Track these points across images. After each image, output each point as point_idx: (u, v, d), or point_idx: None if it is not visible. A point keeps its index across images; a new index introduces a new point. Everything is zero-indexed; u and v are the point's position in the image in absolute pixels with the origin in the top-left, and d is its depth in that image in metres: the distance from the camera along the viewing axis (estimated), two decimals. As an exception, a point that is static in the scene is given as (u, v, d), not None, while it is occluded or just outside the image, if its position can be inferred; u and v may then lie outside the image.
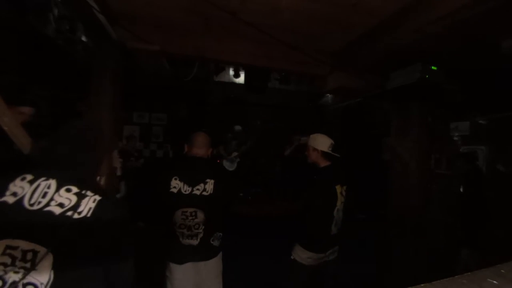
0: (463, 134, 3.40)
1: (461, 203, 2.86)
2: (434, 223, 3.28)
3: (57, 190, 0.82)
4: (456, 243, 2.79)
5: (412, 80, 2.43)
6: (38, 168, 0.85)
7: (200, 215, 1.53)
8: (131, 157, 4.65)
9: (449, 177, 3.48)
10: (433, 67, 2.39)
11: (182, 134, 5.63)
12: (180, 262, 1.53)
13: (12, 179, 0.80)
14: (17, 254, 0.75)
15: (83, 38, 2.79)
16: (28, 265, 0.75)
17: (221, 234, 1.65)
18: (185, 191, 1.52)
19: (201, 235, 1.55)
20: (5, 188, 0.78)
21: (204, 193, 1.54)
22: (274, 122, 7.22)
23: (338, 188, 1.84)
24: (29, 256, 0.75)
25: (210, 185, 1.56)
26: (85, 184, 0.87)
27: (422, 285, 0.57)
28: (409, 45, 2.10)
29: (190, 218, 1.52)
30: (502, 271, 0.67)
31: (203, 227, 1.54)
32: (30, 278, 0.75)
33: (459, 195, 2.98)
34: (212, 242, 1.59)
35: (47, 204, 0.79)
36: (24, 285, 0.75)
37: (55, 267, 0.76)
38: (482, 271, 0.70)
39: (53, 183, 0.82)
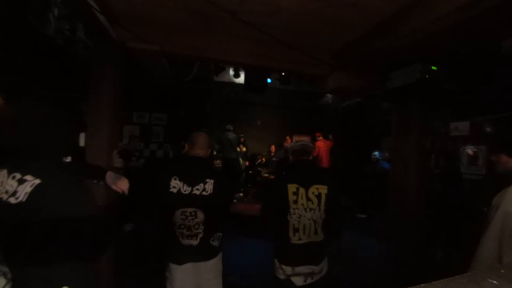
0: (463, 134, 3.40)
1: (438, 201, 2.91)
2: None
3: (7, 178, 0.85)
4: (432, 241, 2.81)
5: (412, 80, 2.43)
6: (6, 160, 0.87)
7: (200, 215, 1.53)
8: (132, 157, 4.65)
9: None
10: (433, 67, 2.39)
11: (182, 134, 5.64)
12: (180, 262, 1.53)
13: None
14: None
15: (83, 38, 2.80)
16: None
17: (221, 234, 1.65)
18: (185, 191, 1.52)
19: (201, 235, 1.54)
20: None
21: (204, 193, 1.54)
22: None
23: (291, 187, 1.59)
24: None
25: (210, 185, 1.56)
26: (32, 166, 0.87)
27: (422, 285, 0.57)
28: (409, 45, 2.10)
29: (190, 218, 1.52)
30: (502, 271, 0.67)
31: (203, 227, 1.54)
32: None
33: (437, 193, 3.02)
34: (212, 242, 1.59)
35: (5, 192, 0.83)
36: None
37: (7, 256, 0.82)
38: (482, 271, 0.70)
39: (4, 172, 0.86)
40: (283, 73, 5.02)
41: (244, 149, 6.28)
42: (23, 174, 0.84)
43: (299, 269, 1.58)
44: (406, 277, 2.78)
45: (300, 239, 1.58)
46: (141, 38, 2.29)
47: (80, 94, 2.80)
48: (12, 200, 0.82)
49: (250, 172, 6.21)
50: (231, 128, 5.97)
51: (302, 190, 1.58)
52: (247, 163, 6.47)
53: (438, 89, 2.56)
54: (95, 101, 2.33)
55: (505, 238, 1.05)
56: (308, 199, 1.59)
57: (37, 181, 0.84)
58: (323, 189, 1.62)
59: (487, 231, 1.10)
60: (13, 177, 0.84)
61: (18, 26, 2.28)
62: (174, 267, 1.53)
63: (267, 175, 5.96)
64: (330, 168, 6.03)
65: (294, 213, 1.57)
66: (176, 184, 1.52)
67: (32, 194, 0.82)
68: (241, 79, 5.56)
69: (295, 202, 1.57)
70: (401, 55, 2.40)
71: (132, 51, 2.40)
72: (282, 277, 1.59)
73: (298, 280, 1.57)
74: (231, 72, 5.85)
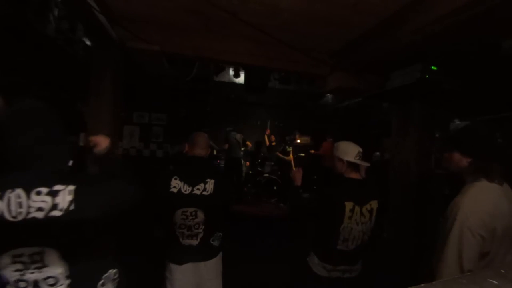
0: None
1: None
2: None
3: (28, 197, 0.80)
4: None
5: (412, 80, 2.43)
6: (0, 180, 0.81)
7: (200, 215, 1.53)
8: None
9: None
10: (433, 67, 2.39)
11: (182, 134, 5.64)
12: (180, 262, 1.53)
13: None
14: (25, 259, 0.83)
15: (83, 38, 2.80)
16: (39, 264, 0.84)
17: (221, 234, 1.65)
18: (185, 191, 1.52)
19: (201, 235, 1.55)
20: None
21: (205, 192, 1.54)
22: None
23: (348, 205, 1.58)
24: (36, 257, 0.84)
25: (210, 185, 1.56)
26: (52, 175, 0.85)
27: (422, 285, 0.57)
28: (409, 45, 2.10)
29: (190, 218, 1.52)
30: (502, 271, 0.67)
31: (203, 227, 1.54)
32: (46, 273, 0.85)
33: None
34: (212, 242, 1.59)
35: (28, 212, 0.79)
36: (45, 279, 0.85)
37: (65, 258, 0.86)
38: (482, 271, 0.70)
39: (20, 192, 0.80)
40: (283, 73, 5.02)
41: (249, 144, 6.32)
42: (48, 186, 0.82)
43: (340, 267, 1.63)
44: (406, 277, 2.78)
45: (347, 247, 1.61)
46: (141, 38, 2.29)
47: (80, 94, 2.80)
48: (56, 213, 0.81)
49: (250, 172, 6.22)
50: (233, 129, 5.99)
51: (357, 208, 1.59)
52: (247, 163, 6.48)
53: (438, 89, 2.55)
54: (95, 101, 2.33)
55: (465, 245, 1.01)
56: (362, 214, 1.61)
57: (71, 187, 0.84)
58: (375, 204, 1.65)
59: (448, 239, 1.03)
60: (38, 193, 0.80)
61: (18, 26, 2.28)
62: (174, 267, 1.54)
63: (267, 175, 5.96)
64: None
65: (347, 227, 1.58)
66: (176, 184, 1.53)
67: (76, 200, 0.83)
68: (241, 79, 5.57)
69: (350, 218, 1.58)
70: (401, 55, 2.40)
71: (132, 51, 2.40)
72: (321, 273, 1.63)
73: (335, 274, 1.63)
74: (231, 72, 5.86)
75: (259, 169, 6.11)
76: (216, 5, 1.94)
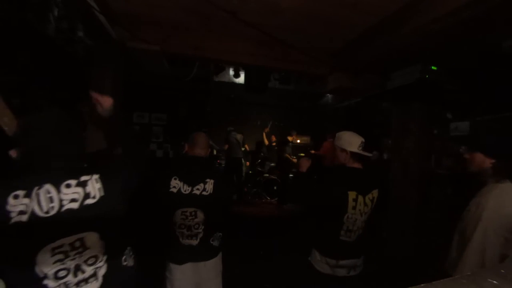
0: (463, 134, 3.39)
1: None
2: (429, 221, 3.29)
3: (58, 191, 0.84)
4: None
5: (412, 80, 2.43)
6: (22, 179, 0.82)
7: (200, 215, 1.53)
8: None
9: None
10: (433, 67, 2.40)
11: (182, 134, 5.64)
12: (180, 262, 1.53)
13: (3, 201, 0.77)
14: (66, 248, 0.86)
15: (83, 38, 2.79)
16: (80, 249, 0.88)
17: (221, 234, 1.65)
18: (185, 191, 1.52)
19: (201, 235, 1.55)
20: (6, 211, 0.76)
21: (204, 192, 1.54)
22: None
23: (351, 195, 1.55)
24: (77, 243, 0.87)
25: (210, 185, 1.56)
26: (76, 168, 0.91)
27: (422, 285, 0.57)
28: (409, 45, 2.10)
29: (190, 218, 1.52)
30: (502, 271, 0.67)
31: (203, 227, 1.54)
32: (87, 255, 0.90)
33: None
34: (212, 242, 1.59)
35: (61, 206, 0.83)
36: (86, 260, 0.90)
37: (103, 238, 0.92)
38: (482, 271, 0.69)
39: (49, 187, 0.83)
40: (283, 73, 5.02)
41: (247, 148, 6.31)
42: (76, 178, 0.88)
43: (343, 262, 1.57)
44: (406, 277, 2.78)
45: (350, 237, 1.58)
46: (141, 38, 2.29)
47: (80, 94, 2.80)
48: (90, 201, 0.89)
49: (250, 172, 6.22)
50: (233, 129, 5.98)
51: (361, 198, 1.56)
52: (247, 163, 6.48)
53: (438, 89, 2.55)
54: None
55: (488, 244, 1.03)
56: (365, 204, 1.58)
57: (95, 175, 0.92)
58: (376, 193, 1.63)
59: (473, 238, 1.05)
60: (68, 186, 0.85)
61: (18, 26, 2.28)
62: (174, 267, 1.54)
63: (267, 175, 5.96)
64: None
65: (352, 218, 1.55)
66: (176, 184, 1.52)
67: (104, 186, 0.92)
68: (241, 79, 5.57)
69: (354, 208, 1.55)
70: (401, 55, 2.40)
71: (132, 51, 2.40)
72: (325, 271, 1.57)
73: (341, 271, 1.57)
74: (231, 72, 5.86)
75: (259, 169, 6.11)
76: (216, 5, 1.94)
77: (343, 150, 1.62)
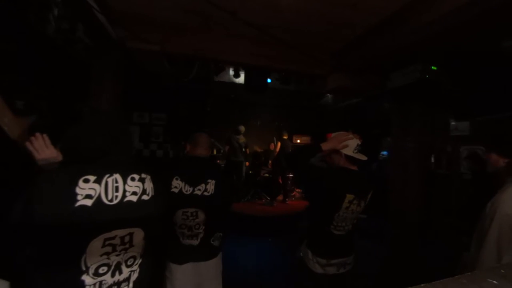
0: (463, 134, 3.39)
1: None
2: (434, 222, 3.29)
3: (124, 182, 0.89)
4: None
5: (412, 80, 2.43)
6: (94, 166, 0.86)
7: (201, 215, 1.53)
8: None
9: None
10: (433, 67, 2.40)
11: (182, 134, 5.63)
12: (180, 262, 1.53)
13: (74, 183, 0.79)
14: (117, 241, 0.87)
15: (83, 38, 2.79)
16: (127, 245, 0.89)
17: (221, 234, 1.65)
18: (186, 191, 1.52)
19: (201, 235, 1.55)
20: (74, 193, 0.78)
21: (205, 193, 1.54)
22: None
23: (348, 197, 1.51)
24: (126, 238, 0.89)
25: (211, 186, 1.56)
26: (133, 165, 0.96)
27: (422, 285, 0.57)
28: (409, 45, 2.10)
29: (191, 218, 1.52)
30: (502, 271, 0.67)
31: (203, 227, 1.54)
32: (130, 253, 0.91)
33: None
34: (212, 242, 1.59)
35: (124, 196, 0.88)
36: (127, 260, 0.90)
37: (145, 238, 0.94)
38: (482, 271, 0.69)
39: (118, 177, 0.88)
40: (283, 73, 5.02)
41: (247, 151, 6.28)
42: (138, 173, 0.94)
43: (334, 261, 1.57)
44: (406, 277, 2.78)
45: (340, 232, 1.56)
46: (141, 38, 2.29)
47: (80, 94, 2.80)
48: (145, 197, 0.93)
49: (250, 172, 6.21)
50: (243, 131, 5.91)
51: (356, 201, 1.54)
52: (247, 163, 6.48)
53: (438, 89, 2.56)
54: (95, 101, 2.33)
55: (504, 240, 1.06)
56: (359, 205, 1.56)
57: (149, 176, 0.97)
58: (370, 194, 1.63)
59: (488, 234, 1.09)
60: (132, 179, 0.91)
61: (18, 26, 2.28)
62: (174, 266, 1.54)
63: (267, 175, 5.95)
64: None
65: (342, 215, 1.53)
66: (177, 184, 1.52)
67: (155, 187, 0.98)
68: (241, 79, 5.56)
69: (347, 208, 1.53)
70: (401, 55, 2.40)
71: (132, 51, 2.40)
72: (316, 270, 1.57)
73: (331, 269, 1.57)
74: (231, 72, 5.85)
75: (259, 169, 6.12)
76: (216, 5, 1.94)
77: (337, 152, 1.55)
